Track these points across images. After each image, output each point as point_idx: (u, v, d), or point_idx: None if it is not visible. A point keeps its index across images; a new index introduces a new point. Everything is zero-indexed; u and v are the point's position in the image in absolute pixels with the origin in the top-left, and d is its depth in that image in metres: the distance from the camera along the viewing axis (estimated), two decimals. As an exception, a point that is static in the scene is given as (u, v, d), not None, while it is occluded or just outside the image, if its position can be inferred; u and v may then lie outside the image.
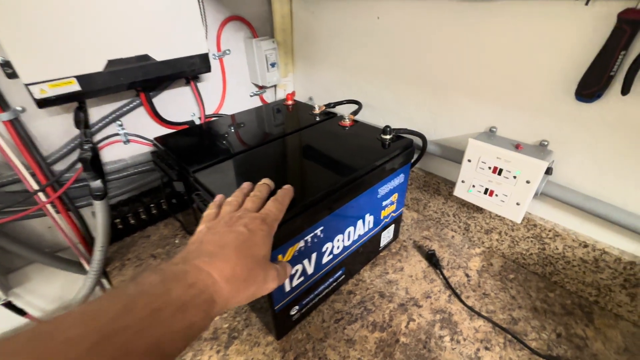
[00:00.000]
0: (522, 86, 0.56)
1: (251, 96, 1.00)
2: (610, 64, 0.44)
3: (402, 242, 0.75)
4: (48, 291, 0.80)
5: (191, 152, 0.61)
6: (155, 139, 0.66)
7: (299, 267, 0.50)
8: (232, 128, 0.71)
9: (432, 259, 0.68)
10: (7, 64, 0.56)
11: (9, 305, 0.71)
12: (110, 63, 0.58)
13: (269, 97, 1.05)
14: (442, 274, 0.66)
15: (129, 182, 0.80)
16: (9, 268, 0.73)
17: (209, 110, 0.91)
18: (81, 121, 0.61)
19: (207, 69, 0.72)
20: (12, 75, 0.57)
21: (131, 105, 0.75)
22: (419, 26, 0.66)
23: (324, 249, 0.53)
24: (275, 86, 1.03)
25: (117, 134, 0.76)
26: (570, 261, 0.60)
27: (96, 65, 0.57)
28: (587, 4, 0.45)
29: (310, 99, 1.01)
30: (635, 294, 0.54)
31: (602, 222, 0.55)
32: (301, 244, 0.47)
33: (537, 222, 0.62)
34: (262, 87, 1.00)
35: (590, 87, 0.47)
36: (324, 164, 0.56)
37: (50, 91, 0.54)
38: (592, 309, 0.59)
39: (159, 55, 0.64)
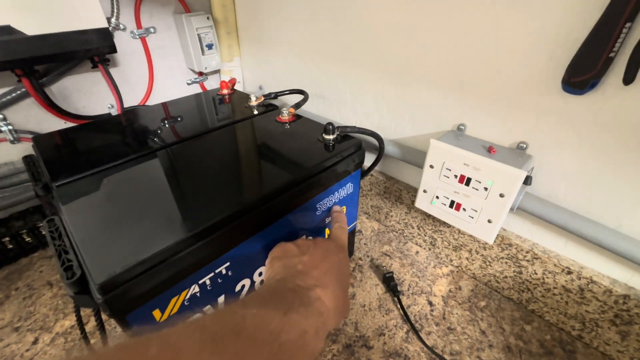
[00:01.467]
0: (496, 74, 0.44)
1: (189, 84, 0.85)
2: (610, 42, 0.32)
3: (358, 261, 0.63)
4: None
5: (67, 157, 0.47)
6: (35, 137, 0.51)
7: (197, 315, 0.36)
8: (140, 123, 0.57)
9: (390, 284, 0.57)
10: None
11: None
12: (-53, 35, 0.43)
13: (214, 85, 0.90)
14: (400, 302, 0.55)
15: (23, 190, 0.64)
16: None
17: (134, 101, 0.75)
18: None
19: (111, 48, 0.57)
20: None
21: (14, 95, 0.59)
22: (376, 4, 0.52)
23: (238, 288, 0.40)
24: (219, 72, 0.88)
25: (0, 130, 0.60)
26: (550, 289, 0.49)
27: None
28: (581, -43, 0.32)
29: (260, 88, 0.87)
30: (628, 333, 0.44)
31: (590, 245, 0.44)
32: (194, 289, 0.34)
33: (513, 242, 0.51)
34: (201, 74, 0.84)
35: (582, 74, 0.35)
36: (240, 175, 0.42)
37: None
38: (575, 346, 0.49)
39: (30, 28, 0.48)
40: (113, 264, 0.28)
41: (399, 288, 0.57)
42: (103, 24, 0.54)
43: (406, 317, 0.52)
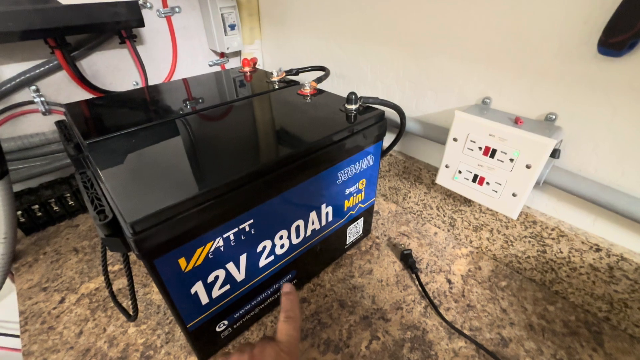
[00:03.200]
0: (525, 40, 0.42)
1: (210, 65, 0.86)
2: (652, -3, 0.31)
3: (375, 239, 0.63)
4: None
5: (98, 121, 0.48)
6: (66, 105, 0.53)
7: (219, 273, 0.37)
8: (165, 95, 0.58)
9: (408, 260, 0.56)
10: None
11: None
12: (-11, 1, 0.45)
13: (231, 66, 0.91)
14: (418, 279, 0.54)
15: (52, 160, 0.67)
16: None
17: (157, 79, 0.77)
18: (-41, 78, 0.48)
19: (139, 22, 0.59)
20: None
21: (47, 67, 0.61)
22: (398, -32, 0.52)
23: (259, 249, 0.40)
24: (239, 54, 0.89)
25: (31, 102, 0.62)
26: (576, 268, 0.48)
27: (-33, 2, 0.43)
28: None
29: (279, 70, 0.87)
30: (659, 313, 0.42)
31: (621, 220, 0.43)
32: (219, 242, 0.35)
33: (538, 219, 0.49)
34: (223, 55, 0.86)
35: (621, 33, 0.34)
36: (264, 138, 0.43)
37: None
38: (601, 327, 0.47)
39: (65, -3, 0.50)
40: (143, 207, 0.29)
41: (417, 266, 0.56)
42: (133, -3, 0.56)
43: (424, 293, 0.52)
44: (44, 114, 0.64)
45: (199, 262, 0.34)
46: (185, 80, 0.64)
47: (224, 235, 0.35)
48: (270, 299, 0.48)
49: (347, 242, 0.58)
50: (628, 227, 0.43)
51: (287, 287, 0.36)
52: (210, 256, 0.35)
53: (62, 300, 0.52)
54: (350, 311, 0.50)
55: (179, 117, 0.48)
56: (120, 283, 0.55)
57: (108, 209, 0.31)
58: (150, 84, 0.75)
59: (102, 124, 0.48)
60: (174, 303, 0.34)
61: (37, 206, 0.65)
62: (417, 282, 0.54)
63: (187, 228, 0.31)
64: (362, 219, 0.58)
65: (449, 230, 0.64)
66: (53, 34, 0.54)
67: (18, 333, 0.77)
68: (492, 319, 0.48)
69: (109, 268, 0.58)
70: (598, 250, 0.45)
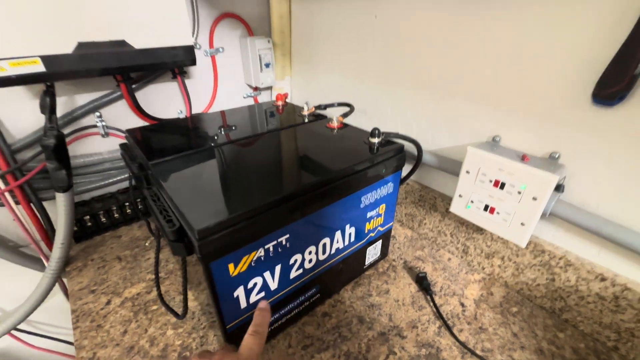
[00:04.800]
0: (529, 89, 0.49)
1: (245, 98, 0.96)
2: (634, 61, 0.37)
3: (392, 262, 0.67)
4: (11, 289, 0.75)
5: (158, 146, 0.56)
6: (128, 130, 0.62)
7: (257, 280, 0.43)
8: (210, 125, 0.66)
9: (423, 283, 0.60)
10: (-24, 42, 0.53)
11: (-40, 301, 0.66)
12: (81, 45, 0.55)
13: (265, 100, 1.00)
14: (432, 300, 0.57)
15: (105, 177, 0.75)
16: (-34, 261, 0.68)
17: (198, 109, 0.87)
18: (46, 106, 0.57)
19: (192, 61, 0.68)
20: (-18, 54, 0.54)
21: (111, 97, 0.71)
22: (416, 24, 0.60)
23: (291, 261, 0.46)
24: (270, 89, 0.99)
25: (94, 126, 0.72)
26: (584, 297, 0.51)
27: (64, 46, 0.54)
28: (607, -10, 0.38)
29: (306, 104, 0.96)
30: (665, 343, 0.45)
31: (624, 252, 0.46)
32: (260, 252, 0.41)
33: (546, 248, 0.53)
34: (256, 89, 0.95)
35: (610, 87, 0.39)
36: (299, 165, 0.50)
37: (10, 69, 0.50)
38: (610, 356, 0.49)
39: (138, 43, 0.60)
40: (206, 218, 0.35)
41: (431, 288, 0.60)
42: (190, 42, 0.66)
43: (439, 314, 0.55)
44: (102, 136, 0.74)
45: (243, 269, 0.40)
46: (230, 112, 0.73)
47: (265, 247, 0.41)
48: (296, 311, 0.53)
49: (366, 263, 0.63)
50: (630, 259, 0.46)
51: (263, 304, 0.41)
52: (252, 264, 0.40)
53: (108, 302, 0.58)
54: (368, 327, 0.54)
55: (227, 144, 0.56)
56: (154, 292, 0.61)
57: (175, 219, 0.37)
58: (192, 112, 0.84)
59: (162, 147, 0.56)
60: (220, 303, 0.40)
61: (88, 217, 0.72)
62: (431, 304, 0.57)
63: (239, 238, 0.37)
64: (380, 241, 0.63)
65: (462, 257, 0.67)
66: (124, 72, 0.64)
67: (53, 336, 0.82)
68: (504, 342, 0.51)
69: (145, 276, 0.64)
70: (603, 280, 0.48)
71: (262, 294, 0.44)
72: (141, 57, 0.61)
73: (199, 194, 0.41)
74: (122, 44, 0.59)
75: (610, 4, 0.39)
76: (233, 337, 0.44)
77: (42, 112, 0.58)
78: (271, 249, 0.42)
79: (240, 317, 0.44)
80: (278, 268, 0.44)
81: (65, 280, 0.74)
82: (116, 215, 0.76)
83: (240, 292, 0.41)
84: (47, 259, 0.69)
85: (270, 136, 0.60)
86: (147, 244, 0.72)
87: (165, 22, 0.62)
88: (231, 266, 0.38)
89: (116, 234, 0.76)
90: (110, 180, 0.76)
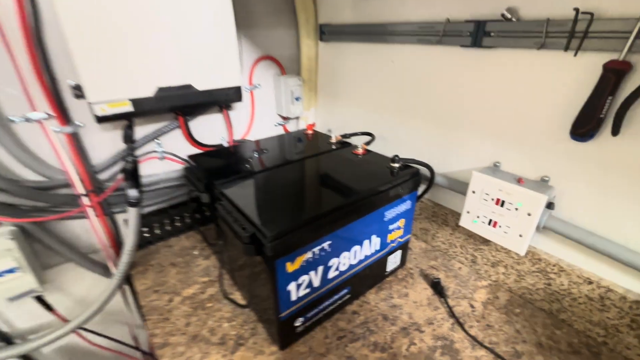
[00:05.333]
0: (523, 125, 0.60)
1: (275, 126, 1.09)
2: (599, 108, 0.48)
3: (409, 270, 0.77)
4: (75, 291, 0.86)
5: (218, 169, 0.69)
6: (189, 156, 0.75)
7: (305, 277, 0.53)
8: (255, 151, 0.79)
9: (437, 287, 0.70)
10: (76, 87, 0.68)
11: (40, 300, 0.77)
12: (160, 90, 0.69)
13: (292, 127, 1.14)
14: (446, 302, 0.67)
15: (160, 195, 0.88)
16: (47, 264, 0.80)
17: (237, 136, 1.00)
18: (128, 137, 0.71)
19: (239, 98, 0.82)
20: (79, 96, 0.69)
21: (170, 127, 0.85)
22: (428, 68, 0.73)
23: (330, 264, 0.57)
24: (297, 118, 1.12)
25: (154, 151, 0.85)
26: (576, 298, 0.60)
27: (148, 91, 0.68)
28: (575, 55, 0.50)
29: (329, 131, 1.09)
30: (643, 336, 0.53)
31: (604, 259, 0.56)
32: (309, 254, 0.52)
33: (542, 257, 0.63)
34: (286, 118, 1.09)
35: (582, 127, 0.51)
36: (335, 185, 0.61)
37: (108, 110, 0.64)
38: (600, 349, 0.58)
39: (200, 86, 0.74)
40: (274, 226, 0.47)
41: (445, 292, 0.69)
42: (238, 83, 0.80)
43: (452, 313, 0.65)
44: (160, 160, 0.87)
45: (296, 267, 0.51)
46: (271, 139, 0.86)
47: (314, 250, 0.52)
48: (331, 308, 0.63)
49: (387, 270, 0.73)
50: (610, 264, 0.56)
51: None
52: (303, 264, 0.51)
53: (170, 300, 0.69)
54: (392, 323, 0.63)
55: (275, 167, 0.68)
56: (210, 291, 0.72)
57: (248, 226, 0.49)
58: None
59: (221, 169, 0.68)
60: (277, 295, 0.51)
61: (146, 229, 0.85)
62: (445, 305, 0.67)
63: (295, 242, 0.48)
64: (400, 251, 0.73)
65: (471, 266, 0.77)
66: (187, 108, 0.77)
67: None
68: (508, 337, 0.60)
69: (198, 279, 0.75)
70: (590, 283, 0.57)
71: (308, 289, 0.55)
72: (202, 96, 0.75)
73: (261, 208, 0.53)
74: (188, 87, 0.73)
75: (579, 66, 0.51)
76: (284, 325, 0.55)
77: (124, 142, 0.72)
78: (317, 252, 0.53)
79: (290, 308, 0.54)
80: (320, 269, 0.55)
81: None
82: (167, 227, 0.88)
83: (292, 286, 0.52)
84: (114, 264, 0.81)
85: (309, 161, 0.72)
86: (195, 252, 0.84)
87: (221, 69, 0.76)
88: (289, 264, 0.49)
89: (167, 244, 0.87)
90: (164, 198, 0.88)
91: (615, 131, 0.48)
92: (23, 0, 0.58)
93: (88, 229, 0.81)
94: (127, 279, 0.79)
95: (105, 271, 0.85)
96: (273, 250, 0.46)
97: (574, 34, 0.49)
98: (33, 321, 0.81)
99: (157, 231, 0.87)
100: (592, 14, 0.47)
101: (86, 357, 0.93)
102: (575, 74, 0.51)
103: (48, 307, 0.79)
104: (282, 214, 0.51)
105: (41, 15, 0.62)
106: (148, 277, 0.76)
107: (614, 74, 0.46)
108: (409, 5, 0.73)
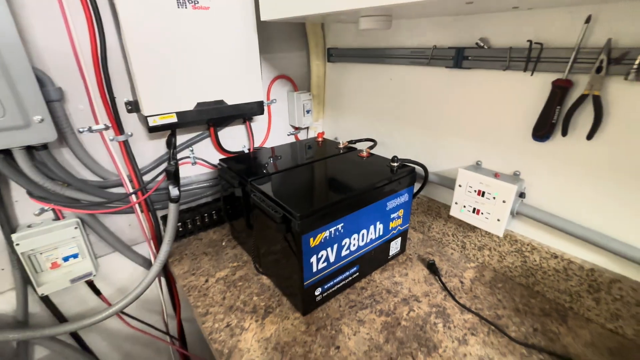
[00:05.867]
0: (497, 130, 0.74)
1: (288, 135, 1.24)
2: (551, 115, 0.62)
3: (408, 255, 0.90)
4: (117, 279, 0.98)
5: (247, 169, 0.83)
6: (220, 160, 0.89)
7: (324, 252, 0.66)
8: (275, 154, 0.93)
9: (432, 268, 0.82)
10: (129, 103, 0.82)
11: (91, 284, 0.90)
12: (198, 104, 0.83)
13: (302, 136, 1.28)
14: (440, 279, 0.80)
15: (191, 195, 1.01)
16: (95, 255, 0.92)
17: (256, 143, 1.15)
18: (171, 144, 0.85)
19: (261, 112, 0.97)
20: (130, 110, 0.84)
21: (202, 136, 0.99)
22: (420, 85, 0.88)
23: (343, 243, 0.70)
24: (307, 128, 1.27)
25: (188, 157, 0.99)
26: (546, 271, 0.73)
27: (189, 105, 0.82)
28: (532, 74, 0.65)
29: (335, 139, 1.24)
30: (599, 299, 0.66)
31: (566, 236, 0.69)
32: (327, 233, 0.65)
33: (518, 238, 0.76)
34: (297, 128, 1.24)
35: (540, 130, 0.65)
36: (345, 180, 0.75)
37: (159, 121, 0.79)
38: (566, 312, 0.70)
39: (230, 101, 0.88)
40: (300, 209, 0.60)
41: (439, 272, 0.82)
42: (261, 98, 0.95)
43: (444, 287, 0.77)
44: (192, 164, 1.01)
45: (317, 243, 0.64)
46: (290, 145, 1.00)
47: (330, 230, 0.65)
48: (343, 283, 0.75)
49: (390, 254, 0.86)
50: (570, 241, 0.69)
51: None
52: (322, 240, 0.64)
53: (206, 281, 0.82)
54: (394, 295, 0.75)
55: (295, 167, 0.82)
56: (239, 273, 0.84)
57: (279, 210, 0.62)
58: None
59: (250, 170, 0.82)
60: (303, 265, 0.63)
61: (179, 224, 0.98)
62: (439, 281, 0.79)
63: (316, 222, 0.62)
64: (399, 238, 0.86)
65: (461, 251, 0.90)
66: (219, 121, 0.92)
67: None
68: (491, 304, 0.72)
69: (227, 265, 0.87)
70: (556, 257, 0.70)
71: (325, 263, 0.68)
72: (231, 110, 0.90)
73: (288, 196, 0.66)
74: (221, 102, 0.87)
75: (535, 83, 0.65)
76: (307, 293, 0.67)
77: (168, 148, 0.86)
78: (333, 231, 0.66)
79: (312, 278, 0.67)
80: (335, 246, 0.68)
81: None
82: (198, 223, 1.01)
83: (314, 259, 0.65)
84: (154, 255, 0.94)
85: (322, 162, 0.86)
86: (223, 244, 0.96)
87: (247, 86, 0.91)
88: (311, 240, 0.62)
89: (197, 237, 1.00)
90: (195, 198, 1.02)
91: (564, 133, 0.62)
92: (96, 35, 0.74)
93: (131, 223, 0.94)
94: (163, 269, 0.92)
95: (144, 262, 0.98)
96: (300, 227, 0.59)
97: (530, 59, 0.64)
98: (81, 305, 0.93)
99: (189, 226, 1.00)
100: (542, 44, 0.62)
101: (125, 340, 1.05)
102: (532, 90, 0.66)
103: (97, 291, 0.91)
104: (306, 200, 0.64)
105: (106, 46, 0.77)
106: (184, 264, 0.88)
107: (560, 89, 0.61)
108: (403, 34, 0.88)
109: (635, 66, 0.51)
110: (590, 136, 0.59)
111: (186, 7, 0.75)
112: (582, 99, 0.59)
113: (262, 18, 0.79)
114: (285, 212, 0.61)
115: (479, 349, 0.62)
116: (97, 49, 0.74)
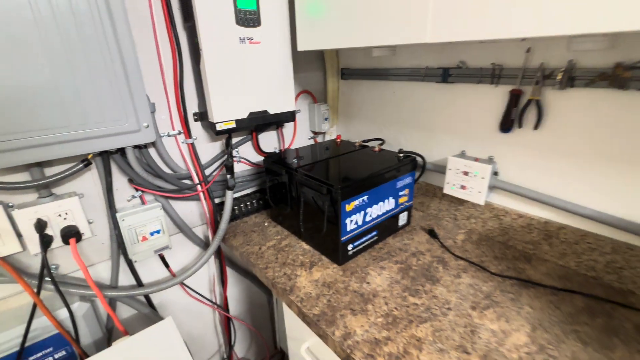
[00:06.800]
0: (476, 127, 1.02)
1: (308, 139, 1.50)
2: (510, 114, 0.90)
3: (413, 227, 1.15)
4: (180, 256, 1.21)
5: (290, 162, 1.08)
6: (265, 156, 1.14)
7: (354, 217, 0.91)
8: (305, 152, 1.19)
9: (432, 233, 1.08)
10: (196, 114, 1.08)
11: (162, 258, 1.13)
12: (250, 113, 1.09)
13: (319, 140, 1.54)
14: (438, 240, 1.05)
15: (237, 187, 1.26)
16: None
17: (285, 145, 1.40)
18: (229, 144, 1.10)
19: (293, 119, 1.23)
20: (196, 120, 1.09)
21: (245, 140, 1.25)
22: (417, 96, 1.15)
23: (367, 211, 0.95)
24: (324, 133, 1.53)
25: (235, 156, 1.24)
26: (516, 229, 0.99)
27: (244, 114, 1.08)
28: (496, 86, 0.93)
29: (348, 140, 1.50)
30: (551, 243, 0.92)
31: (528, 201, 0.95)
32: (357, 202, 0.90)
33: (495, 206, 1.02)
34: (316, 133, 1.50)
35: (505, 125, 0.92)
36: (365, 166, 1.01)
37: (223, 127, 1.04)
38: (531, 257, 0.96)
39: (272, 110, 1.15)
40: (339, 182, 0.85)
41: (437, 235, 1.07)
42: (293, 108, 1.21)
43: (442, 244, 1.02)
44: (237, 162, 1.26)
45: (351, 208, 0.89)
46: (319, 144, 1.26)
47: (359, 199, 0.90)
48: (366, 243, 1.00)
49: (399, 225, 1.11)
50: (531, 204, 0.95)
51: None
52: (354, 207, 0.90)
53: (259, 248, 1.06)
54: (405, 251, 1.00)
55: (326, 159, 1.08)
56: (284, 242, 1.08)
57: (323, 185, 0.88)
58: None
59: (295, 161, 1.07)
60: (341, 224, 0.88)
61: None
62: (438, 241, 1.05)
63: (350, 193, 0.87)
64: (406, 212, 1.12)
65: (454, 222, 1.15)
66: (261, 127, 1.18)
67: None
68: (477, 254, 0.98)
69: (273, 238, 1.11)
70: (522, 217, 0.96)
71: (355, 225, 0.93)
72: (272, 118, 1.16)
73: (328, 177, 0.92)
74: (265, 112, 1.13)
75: (498, 92, 0.93)
76: (343, 247, 0.92)
77: (226, 147, 1.11)
78: (360, 201, 0.91)
79: (346, 235, 0.92)
80: (362, 213, 0.93)
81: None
82: (243, 209, 1.26)
83: (348, 221, 0.90)
84: (213, 232, 1.17)
85: (344, 156, 1.12)
86: (265, 224, 1.21)
87: (284, 99, 1.18)
88: (347, 206, 0.88)
89: (243, 221, 1.24)
90: (238, 189, 1.26)
91: (520, 126, 0.89)
92: (177, 63, 1.00)
93: (193, 209, 1.18)
94: (223, 241, 1.15)
95: (200, 242, 1.21)
96: (340, 195, 0.84)
97: (494, 75, 0.92)
98: (152, 276, 1.16)
99: (236, 212, 1.24)
100: (502, 66, 0.90)
101: (182, 306, 1.27)
102: (497, 97, 0.93)
103: (166, 264, 1.14)
104: (340, 179, 0.90)
105: (183, 71, 1.03)
106: (238, 239, 1.12)
107: (515, 96, 0.88)
108: (403, 57, 1.16)
109: (557, 80, 0.79)
110: (536, 127, 0.86)
111: (245, 43, 1.01)
112: (529, 102, 0.86)
113: (299, 49, 1.07)
114: (328, 186, 0.87)
115: (468, 279, 0.88)
116: (177, 73, 1.00)
